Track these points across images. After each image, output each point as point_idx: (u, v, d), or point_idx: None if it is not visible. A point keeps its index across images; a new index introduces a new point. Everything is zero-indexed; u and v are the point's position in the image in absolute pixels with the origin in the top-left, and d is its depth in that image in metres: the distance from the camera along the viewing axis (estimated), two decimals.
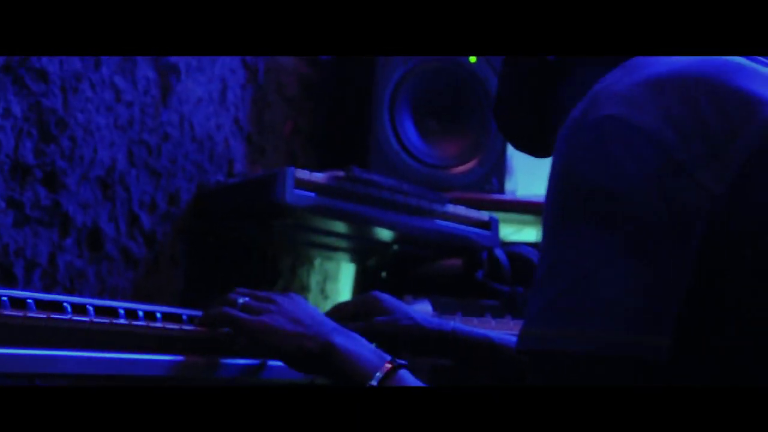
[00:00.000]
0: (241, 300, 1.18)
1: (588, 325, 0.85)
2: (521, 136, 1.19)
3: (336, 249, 1.89)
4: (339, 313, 1.30)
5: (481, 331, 1.35)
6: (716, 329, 0.86)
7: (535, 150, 1.18)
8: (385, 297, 1.33)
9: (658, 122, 0.85)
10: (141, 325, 1.03)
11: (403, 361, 1.10)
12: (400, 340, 1.28)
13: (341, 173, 1.56)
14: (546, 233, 0.91)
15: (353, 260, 2.06)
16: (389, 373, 1.07)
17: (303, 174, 1.51)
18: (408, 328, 1.30)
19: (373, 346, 1.14)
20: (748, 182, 0.85)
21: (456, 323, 1.34)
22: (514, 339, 1.23)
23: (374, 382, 1.07)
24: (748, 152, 0.85)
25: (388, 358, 1.10)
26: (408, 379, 1.08)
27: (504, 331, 1.39)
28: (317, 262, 2.09)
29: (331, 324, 1.17)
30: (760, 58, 0.99)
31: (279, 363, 1.21)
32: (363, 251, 1.91)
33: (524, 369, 0.93)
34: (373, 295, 1.33)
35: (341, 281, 2.16)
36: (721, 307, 0.86)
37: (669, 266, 0.85)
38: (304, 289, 2.04)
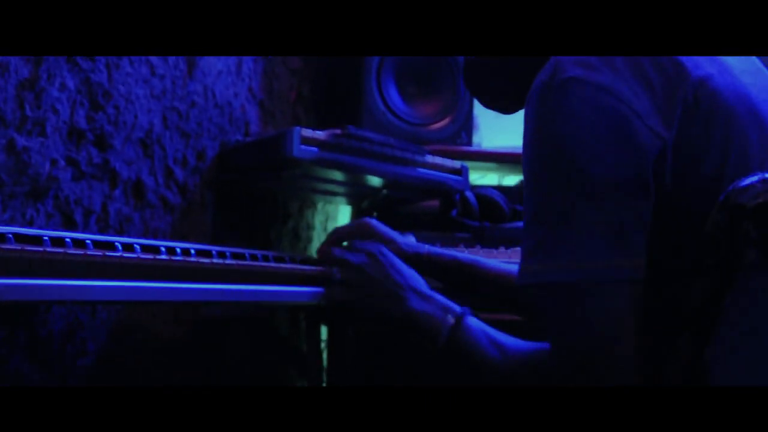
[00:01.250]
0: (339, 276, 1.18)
1: (570, 257, 0.86)
2: (490, 95, 1.17)
3: (336, 194, 1.87)
4: (338, 234, 1.30)
5: (451, 252, 1.36)
6: (676, 249, 0.89)
7: (504, 107, 1.17)
8: (376, 223, 1.33)
9: (613, 80, 0.87)
10: (178, 260, 1.02)
11: (466, 309, 1.11)
12: None
13: (338, 131, 1.55)
14: (527, 183, 0.91)
15: (350, 203, 2.03)
16: (455, 327, 1.09)
17: (307, 132, 1.49)
18: (391, 250, 1.28)
19: (445, 302, 1.13)
20: (687, 129, 0.87)
21: (430, 246, 1.34)
22: (481, 259, 1.26)
23: (443, 338, 1.09)
24: (684, 105, 0.88)
25: (456, 312, 1.11)
26: (473, 327, 1.09)
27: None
28: (320, 205, 2.07)
29: (414, 283, 1.17)
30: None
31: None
32: (358, 195, 1.89)
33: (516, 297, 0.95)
34: (366, 221, 1.33)
35: (340, 220, 2.14)
36: (680, 231, 0.89)
37: (633, 200, 0.86)
38: (309, 228, 2.02)
